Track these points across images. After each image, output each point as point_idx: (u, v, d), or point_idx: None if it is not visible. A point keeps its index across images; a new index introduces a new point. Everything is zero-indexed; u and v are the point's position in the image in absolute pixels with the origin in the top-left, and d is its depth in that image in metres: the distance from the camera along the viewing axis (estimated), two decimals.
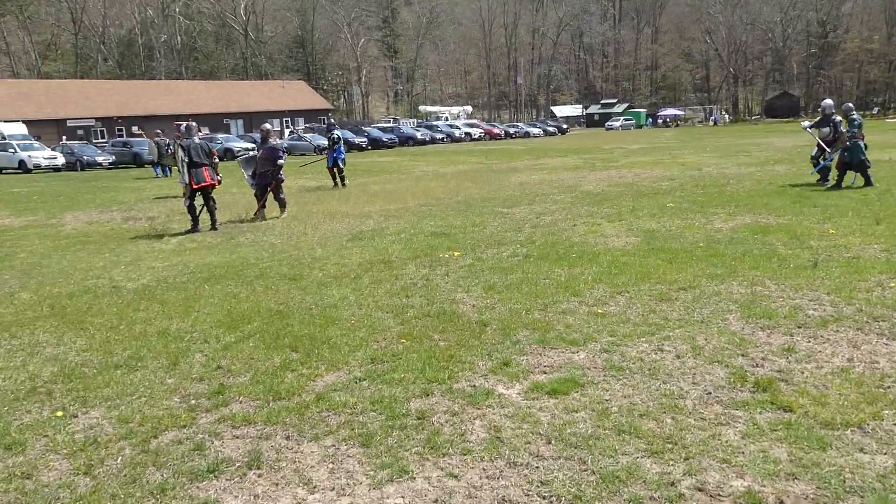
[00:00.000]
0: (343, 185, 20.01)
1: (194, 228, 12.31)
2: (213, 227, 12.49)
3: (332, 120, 46.23)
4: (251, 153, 16.13)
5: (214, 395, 4.61)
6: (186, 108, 61.69)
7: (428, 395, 4.50)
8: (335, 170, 20.16)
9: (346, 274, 8.25)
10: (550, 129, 68.01)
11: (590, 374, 4.78)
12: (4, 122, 45.56)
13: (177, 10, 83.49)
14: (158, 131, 29.83)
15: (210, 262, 9.38)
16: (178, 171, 12.50)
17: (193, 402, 4.53)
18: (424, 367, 4.95)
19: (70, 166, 37.00)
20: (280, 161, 14.07)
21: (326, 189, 19.66)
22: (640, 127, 78.64)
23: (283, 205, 14.13)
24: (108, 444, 3.96)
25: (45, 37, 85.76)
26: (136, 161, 37.53)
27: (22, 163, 36.16)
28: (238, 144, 41.93)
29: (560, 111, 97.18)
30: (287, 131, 67.00)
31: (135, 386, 4.82)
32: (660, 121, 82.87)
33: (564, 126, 72.36)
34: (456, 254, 9.27)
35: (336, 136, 20.27)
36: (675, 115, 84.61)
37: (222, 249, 10.39)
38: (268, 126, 14.74)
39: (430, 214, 13.50)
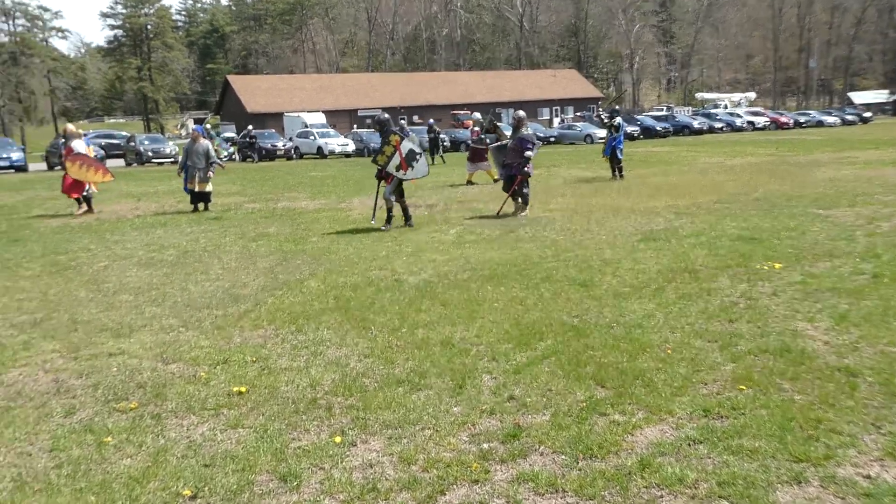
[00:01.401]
0: (620, 176, 18.67)
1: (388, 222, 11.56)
2: (408, 222, 11.71)
3: (617, 107, 44.65)
4: (503, 142, 14.95)
5: (509, 440, 3.75)
6: (462, 98, 63.98)
7: (800, 483, 3.22)
8: (612, 160, 18.90)
9: (646, 283, 7.07)
10: (849, 117, 59.63)
11: None
12: (308, 112, 50.74)
13: (458, 4, 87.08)
14: (431, 121, 30.88)
15: (491, 257, 8.74)
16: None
17: (485, 445, 3.71)
18: (783, 435, 3.64)
19: (358, 152, 39.90)
20: (528, 153, 12.45)
21: (603, 180, 18.47)
22: None
23: (524, 201, 12.70)
24: (389, 494, 3.26)
25: (345, 35, 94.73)
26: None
27: (319, 149, 39.94)
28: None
29: (859, 97, 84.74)
30: (556, 120, 66.70)
31: (418, 412, 4.14)
32: None
33: (867, 114, 62.99)
34: (776, 266, 7.63)
35: (618, 123, 18.97)
36: None
37: (502, 244, 9.74)
38: (521, 113, 13.18)
39: (728, 213, 11.75)
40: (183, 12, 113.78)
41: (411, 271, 8.09)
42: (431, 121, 31.32)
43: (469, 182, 19.02)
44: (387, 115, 12.04)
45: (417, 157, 11.48)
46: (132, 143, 40.01)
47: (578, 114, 65.94)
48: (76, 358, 5.39)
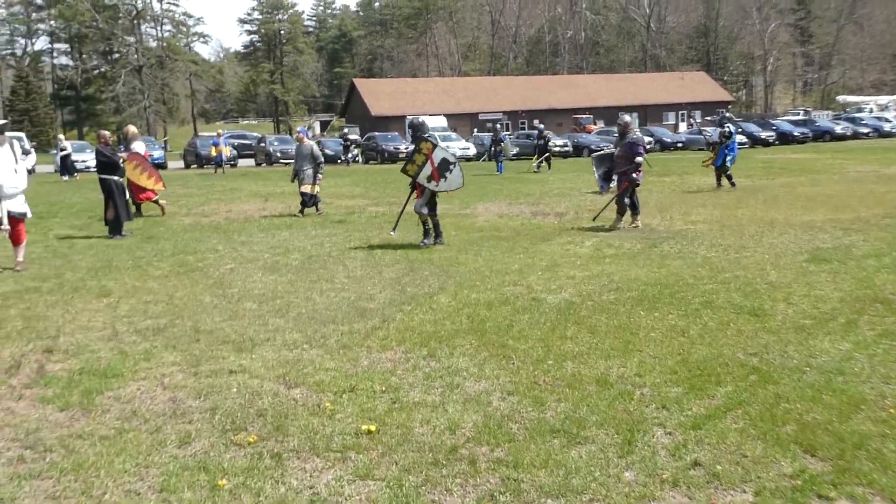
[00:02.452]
0: (732, 184, 17.29)
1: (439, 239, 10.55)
2: (438, 240, 10.56)
3: (728, 112, 41.91)
4: (607, 150, 13.79)
5: None
6: (584, 101, 62.26)
7: None
8: (719, 169, 17.52)
9: (830, 315, 5.99)
10: None
11: None
12: (429, 115, 50.85)
13: (584, 5, 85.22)
14: (542, 126, 29.53)
15: (636, 276, 7.85)
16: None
17: None
18: None
19: (479, 156, 39.39)
20: (638, 158, 11.44)
21: (743, 190, 17.01)
22: None
23: (633, 210, 11.66)
24: None
25: (468, 39, 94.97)
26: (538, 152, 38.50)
27: None
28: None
29: None
30: (683, 125, 63.72)
31: (582, 476, 3.40)
32: None
33: None
34: None
35: (728, 131, 17.57)
36: None
37: (647, 260, 8.80)
38: (627, 118, 12.08)
39: None
40: (314, 18, 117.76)
41: (549, 289, 7.34)
42: (542, 125, 29.58)
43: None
44: (421, 120, 11.01)
45: (451, 166, 10.28)
46: (262, 144, 41.41)
47: (708, 118, 62.73)
48: (196, 374, 5.01)
